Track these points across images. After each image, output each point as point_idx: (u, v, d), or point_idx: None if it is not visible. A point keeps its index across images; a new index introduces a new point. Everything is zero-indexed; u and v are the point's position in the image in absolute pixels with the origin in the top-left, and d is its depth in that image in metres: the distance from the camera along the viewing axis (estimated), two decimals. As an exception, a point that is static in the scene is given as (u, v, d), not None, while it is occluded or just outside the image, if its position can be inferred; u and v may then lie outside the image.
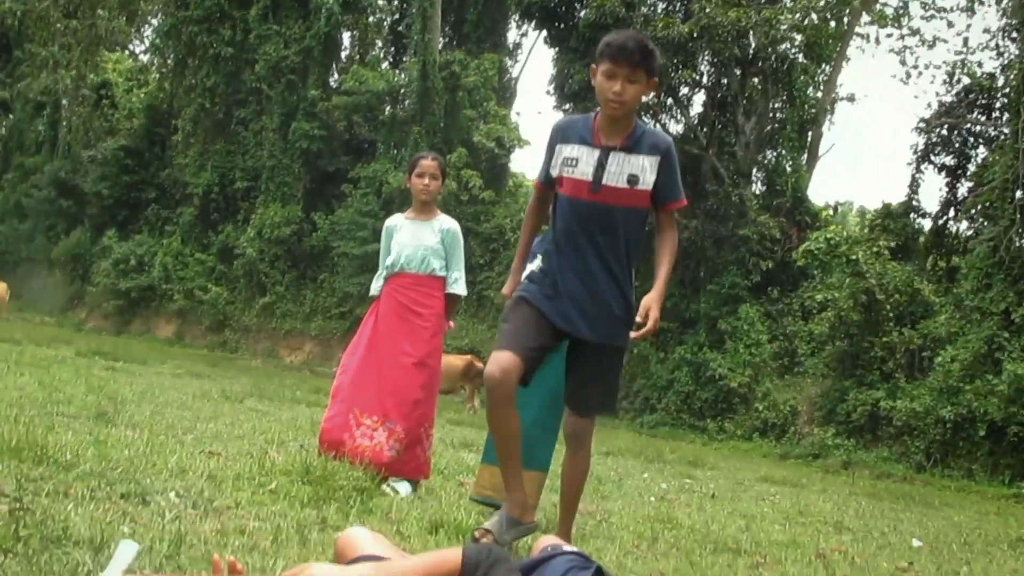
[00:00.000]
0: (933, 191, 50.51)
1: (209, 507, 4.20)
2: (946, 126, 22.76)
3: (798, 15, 23.96)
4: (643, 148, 4.41)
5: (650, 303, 4.36)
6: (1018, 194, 17.84)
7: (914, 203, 23.27)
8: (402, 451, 6.03)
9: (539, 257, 4.72)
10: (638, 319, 4.38)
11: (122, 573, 2.25)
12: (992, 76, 22.55)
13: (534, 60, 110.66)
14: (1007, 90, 20.74)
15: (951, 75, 23.52)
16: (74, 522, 3.24)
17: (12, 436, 4.70)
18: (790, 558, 5.47)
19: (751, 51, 24.01)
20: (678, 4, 25.22)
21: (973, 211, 21.07)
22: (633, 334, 4.46)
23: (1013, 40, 21.24)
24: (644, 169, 4.37)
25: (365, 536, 2.82)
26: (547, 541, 3.16)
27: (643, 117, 26.74)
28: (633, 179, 4.36)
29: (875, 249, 19.65)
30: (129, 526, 3.45)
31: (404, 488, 5.94)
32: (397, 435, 6.02)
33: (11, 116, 43.46)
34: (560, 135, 4.54)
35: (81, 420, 6.47)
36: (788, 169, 25.26)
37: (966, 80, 23.25)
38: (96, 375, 11.13)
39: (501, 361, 4.24)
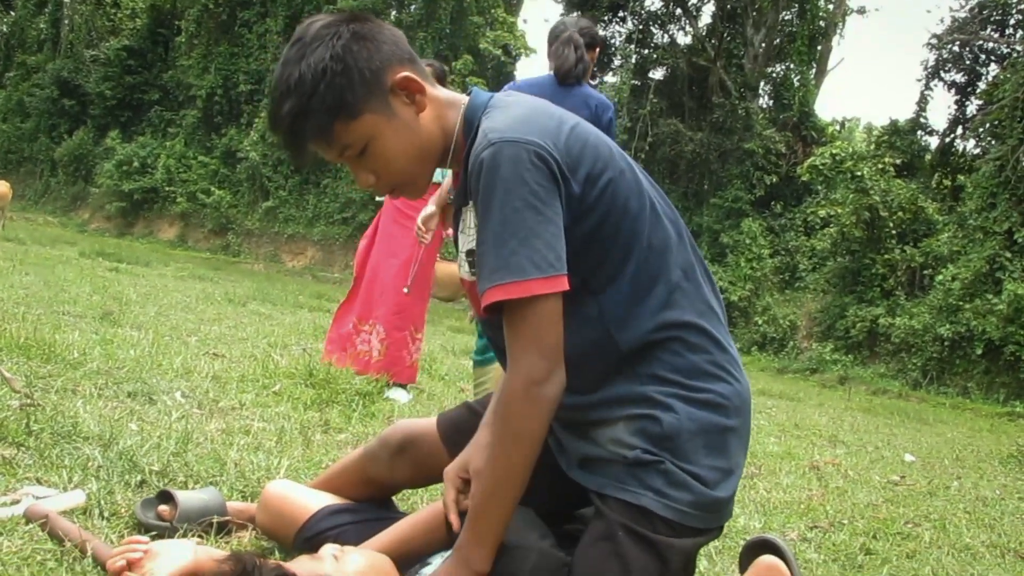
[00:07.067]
0: (942, 108, 50.06)
1: (214, 407, 4.25)
2: (958, 42, 22.49)
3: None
4: None
5: None
6: (1028, 112, 17.76)
7: (922, 120, 23.13)
8: (383, 352, 5.96)
9: None
10: None
11: (57, 511, 2.28)
12: (1007, -9, 22.21)
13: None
14: (1022, 6, 20.46)
15: (965, -11, 23.13)
16: (83, 418, 3.28)
17: (20, 334, 4.76)
18: (784, 469, 5.55)
19: (762, -40, 23.72)
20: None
21: (981, 129, 20.95)
22: None
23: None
24: None
25: (301, 488, 2.55)
26: None
27: (651, 26, 26.47)
28: None
29: (880, 166, 19.62)
30: (137, 423, 3.50)
31: (402, 395, 5.88)
32: (380, 335, 5.99)
33: (12, 13, 42.94)
34: None
35: (87, 320, 6.51)
36: (796, 83, 25.06)
37: (980, -5, 22.90)
38: (100, 276, 11.17)
39: None
